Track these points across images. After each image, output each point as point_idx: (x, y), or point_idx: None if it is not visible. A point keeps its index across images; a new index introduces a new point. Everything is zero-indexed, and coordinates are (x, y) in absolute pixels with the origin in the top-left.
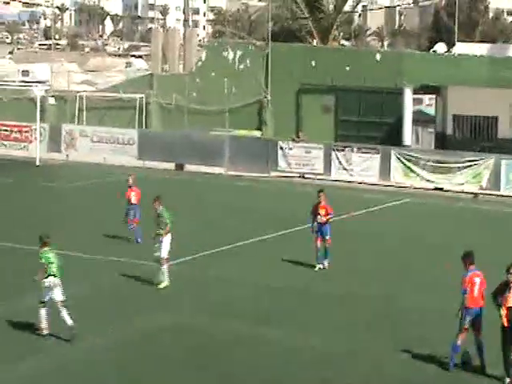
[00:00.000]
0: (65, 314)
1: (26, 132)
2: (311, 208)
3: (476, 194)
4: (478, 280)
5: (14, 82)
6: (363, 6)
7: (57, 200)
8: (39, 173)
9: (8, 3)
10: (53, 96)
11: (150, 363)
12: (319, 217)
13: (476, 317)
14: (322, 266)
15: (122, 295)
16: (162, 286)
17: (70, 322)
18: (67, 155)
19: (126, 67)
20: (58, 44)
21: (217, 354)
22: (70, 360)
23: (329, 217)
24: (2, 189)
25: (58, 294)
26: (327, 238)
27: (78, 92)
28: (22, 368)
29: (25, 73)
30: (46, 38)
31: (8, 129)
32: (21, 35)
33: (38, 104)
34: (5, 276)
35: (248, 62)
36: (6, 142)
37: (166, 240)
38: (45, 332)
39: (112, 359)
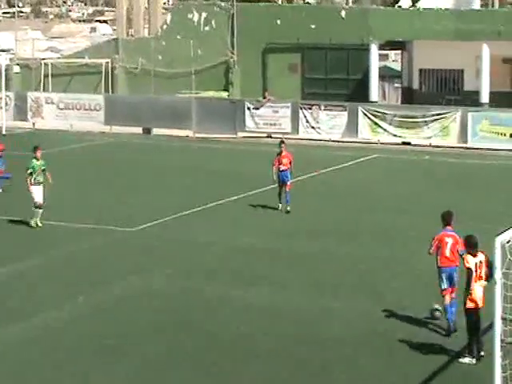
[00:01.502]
0: None
1: None
2: (273, 158)
3: None
4: (449, 240)
5: None
6: None
7: (21, 168)
8: (5, 142)
9: None
10: (17, 64)
11: (125, 329)
12: (281, 166)
13: (450, 275)
14: (281, 208)
15: (91, 261)
16: (33, 223)
17: None
18: (34, 123)
19: (91, 33)
20: (21, 12)
21: (189, 317)
22: (43, 329)
23: (291, 166)
24: None
25: None
26: (288, 183)
27: (42, 59)
28: None
29: None
30: (10, 6)
31: None
32: None
33: (3, 73)
34: None
35: (213, 23)
36: None
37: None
38: None
39: (86, 326)
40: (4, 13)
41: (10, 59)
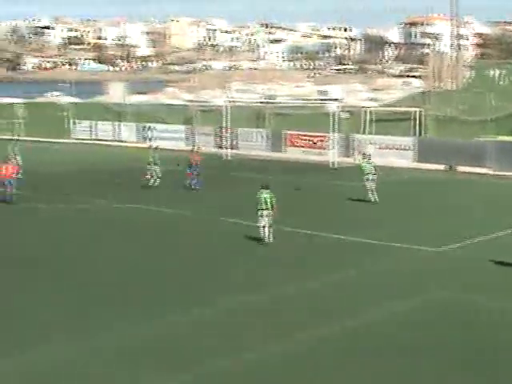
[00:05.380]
0: None
1: (321, 141)
2: None
3: None
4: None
5: (313, 100)
6: None
7: (345, 196)
8: (334, 173)
9: (309, 37)
10: (347, 111)
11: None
12: None
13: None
14: None
15: (389, 275)
16: None
17: None
18: (355, 159)
19: (404, 85)
20: (348, 68)
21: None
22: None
23: None
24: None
25: None
26: None
27: (364, 107)
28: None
29: (322, 92)
30: (339, 64)
31: (308, 138)
32: (318, 62)
33: (331, 118)
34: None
35: (510, 78)
36: (306, 149)
37: None
38: None
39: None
40: (335, 69)
41: (338, 106)
